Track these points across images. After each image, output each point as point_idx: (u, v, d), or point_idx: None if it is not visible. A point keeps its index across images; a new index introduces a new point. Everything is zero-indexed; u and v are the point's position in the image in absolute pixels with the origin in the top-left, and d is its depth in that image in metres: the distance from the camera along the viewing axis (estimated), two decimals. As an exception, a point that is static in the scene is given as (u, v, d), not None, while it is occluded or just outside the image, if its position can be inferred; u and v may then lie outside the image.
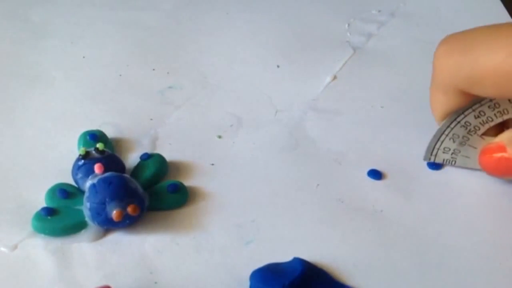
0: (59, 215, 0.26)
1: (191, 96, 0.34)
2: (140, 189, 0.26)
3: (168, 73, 0.36)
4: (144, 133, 0.31)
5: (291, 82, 0.35)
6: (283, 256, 0.25)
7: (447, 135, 0.28)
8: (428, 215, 0.27)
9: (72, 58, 0.37)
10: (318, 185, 0.28)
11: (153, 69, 0.36)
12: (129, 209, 0.25)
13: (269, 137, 0.31)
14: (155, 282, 0.24)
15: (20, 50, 0.37)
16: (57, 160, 0.29)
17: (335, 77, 0.36)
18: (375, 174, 0.29)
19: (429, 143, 0.29)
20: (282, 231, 0.26)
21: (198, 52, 0.38)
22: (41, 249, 0.25)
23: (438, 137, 0.28)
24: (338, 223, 0.27)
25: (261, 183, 0.28)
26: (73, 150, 0.29)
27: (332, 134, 0.31)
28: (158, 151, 0.30)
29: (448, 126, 0.28)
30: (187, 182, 0.28)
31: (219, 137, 0.31)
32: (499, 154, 0.26)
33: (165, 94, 0.34)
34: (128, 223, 0.25)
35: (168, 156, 0.29)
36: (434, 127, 0.29)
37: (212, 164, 0.29)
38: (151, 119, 0.32)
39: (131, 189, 0.26)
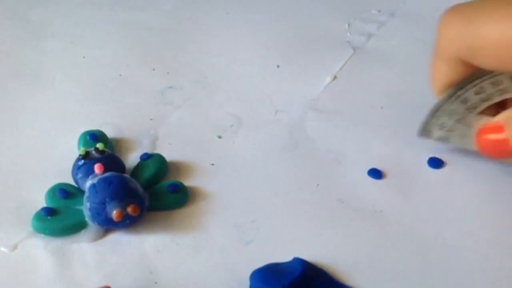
0: (59, 215, 0.26)
1: (191, 96, 0.34)
2: (140, 189, 0.26)
3: (168, 73, 0.36)
4: (144, 133, 0.31)
5: (291, 82, 0.35)
6: (283, 256, 0.25)
7: (444, 111, 0.27)
8: (428, 214, 0.27)
9: (72, 58, 0.37)
10: (318, 185, 0.28)
11: (153, 69, 0.36)
12: (129, 209, 0.25)
13: (269, 137, 0.31)
14: (155, 282, 0.24)
15: (20, 50, 0.37)
16: (57, 160, 0.29)
17: (335, 77, 0.36)
18: (375, 174, 0.29)
19: (425, 118, 0.27)
20: (282, 231, 0.26)
21: (198, 52, 0.38)
22: (41, 249, 0.25)
23: (434, 112, 0.27)
24: (338, 223, 0.27)
25: (261, 183, 0.28)
26: (73, 150, 0.29)
27: (332, 134, 0.31)
28: (158, 151, 0.30)
29: (447, 101, 0.26)
30: (187, 182, 0.28)
31: (219, 137, 0.31)
32: (497, 135, 0.25)
33: (165, 94, 0.34)
34: (128, 223, 0.25)
35: (168, 156, 0.29)
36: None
37: (212, 164, 0.29)
38: (151, 119, 0.32)
39: (131, 189, 0.26)
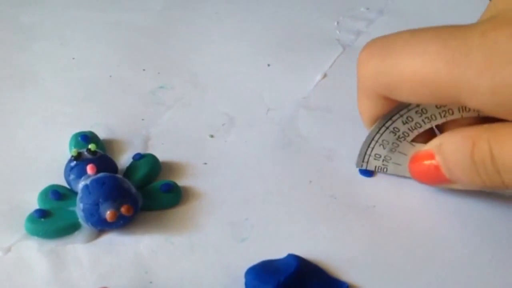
0: (52, 217, 0.26)
1: (182, 96, 0.34)
2: (133, 189, 0.26)
3: (158, 73, 0.36)
4: (136, 133, 0.31)
5: (282, 80, 0.36)
6: (278, 252, 0.25)
7: (377, 141, 0.27)
8: (420, 209, 0.27)
9: (62, 60, 0.36)
10: (310, 182, 0.29)
11: (144, 69, 0.36)
12: (123, 210, 0.25)
13: (261, 136, 0.31)
14: (150, 282, 0.24)
15: (9, 52, 0.37)
16: (49, 161, 0.29)
17: (325, 75, 0.36)
18: (367, 170, 0.29)
19: (360, 149, 0.28)
20: (276, 228, 0.26)
21: (188, 52, 0.38)
22: (35, 251, 0.25)
23: (368, 143, 0.27)
24: (331, 219, 0.27)
25: (254, 181, 0.29)
26: (65, 152, 0.29)
27: (323, 131, 0.32)
28: (150, 151, 0.30)
29: (377, 132, 0.27)
30: (180, 182, 0.28)
31: (211, 136, 0.31)
32: (428, 162, 0.25)
33: (156, 94, 0.34)
34: (122, 223, 0.25)
35: (161, 156, 0.29)
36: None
37: (205, 163, 0.29)
38: (143, 119, 0.32)
39: (125, 189, 0.26)
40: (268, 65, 0.37)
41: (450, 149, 0.24)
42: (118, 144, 0.30)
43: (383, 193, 0.28)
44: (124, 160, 0.29)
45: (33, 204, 0.26)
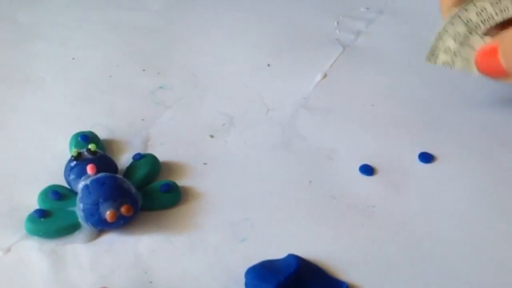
0: (52, 217, 0.26)
1: (182, 96, 0.34)
2: (133, 189, 0.26)
3: (158, 73, 0.36)
4: (136, 133, 0.31)
5: (282, 80, 0.36)
6: (278, 252, 0.25)
7: (449, 33, 0.28)
8: (420, 209, 0.27)
9: (62, 60, 0.36)
10: (310, 182, 0.29)
11: (144, 70, 0.36)
12: (123, 210, 0.25)
13: (261, 136, 0.31)
14: (150, 282, 0.24)
15: (9, 53, 0.37)
16: (49, 162, 0.29)
17: (325, 75, 0.36)
18: (367, 170, 0.29)
19: (432, 43, 0.29)
20: (276, 228, 0.26)
21: (188, 52, 0.38)
22: (35, 251, 0.25)
23: (440, 35, 0.28)
24: (331, 219, 0.27)
25: (254, 181, 0.29)
26: (65, 152, 0.29)
27: (323, 131, 0.32)
28: (150, 151, 0.30)
29: (450, 22, 0.28)
30: (180, 182, 0.28)
31: (211, 136, 0.31)
32: (492, 54, 0.26)
33: (156, 95, 0.34)
34: (122, 223, 0.25)
35: (161, 156, 0.29)
36: (423, 123, 0.29)
37: (205, 164, 0.29)
38: (143, 120, 0.32)
39: (124, 189, 0.26)
40: (268, 65, 0.37)
41: (509, 40, 0.25)
42: (118, 144, 0.30)
43: (383, 193, 0.28)
44: (124, 160, 0.29)
45: (33, 204, 0.26)
